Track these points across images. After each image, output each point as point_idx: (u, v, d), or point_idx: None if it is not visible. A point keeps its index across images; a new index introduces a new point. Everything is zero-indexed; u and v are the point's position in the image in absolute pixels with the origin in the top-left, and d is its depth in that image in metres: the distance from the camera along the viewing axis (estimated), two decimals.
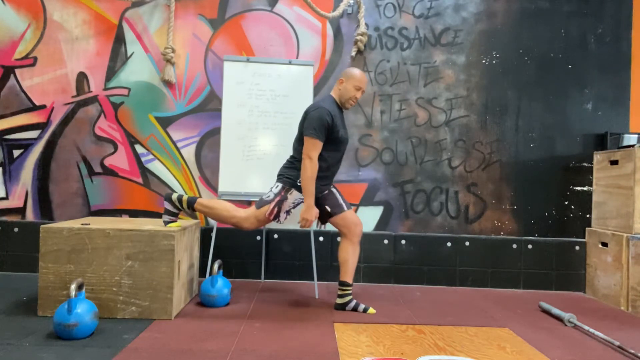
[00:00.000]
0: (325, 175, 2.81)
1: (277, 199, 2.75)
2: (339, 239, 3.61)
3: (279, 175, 2.84)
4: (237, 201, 3.59)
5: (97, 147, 3.61)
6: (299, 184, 2.76)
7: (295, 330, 2.46)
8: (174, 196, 2.75)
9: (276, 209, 2.74)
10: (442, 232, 3.67)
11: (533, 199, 3.69)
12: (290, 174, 2.78)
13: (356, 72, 2.79)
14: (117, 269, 2.53)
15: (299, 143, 2.80)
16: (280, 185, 2.79)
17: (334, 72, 3.66)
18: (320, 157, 2.73)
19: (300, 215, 2.69)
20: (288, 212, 2.80)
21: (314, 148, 2.65)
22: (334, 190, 2.92)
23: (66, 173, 3.60)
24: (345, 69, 3.65)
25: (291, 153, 3.28)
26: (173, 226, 2.69)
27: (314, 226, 2.64)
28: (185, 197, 2.75)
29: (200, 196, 3.62)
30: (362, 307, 2.83)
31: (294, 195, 2.78)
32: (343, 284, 2.84)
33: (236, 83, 3.32)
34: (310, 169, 2.64)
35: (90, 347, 2.12)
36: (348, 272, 2.83)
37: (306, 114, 2.73)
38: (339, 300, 2.85)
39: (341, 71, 3.65)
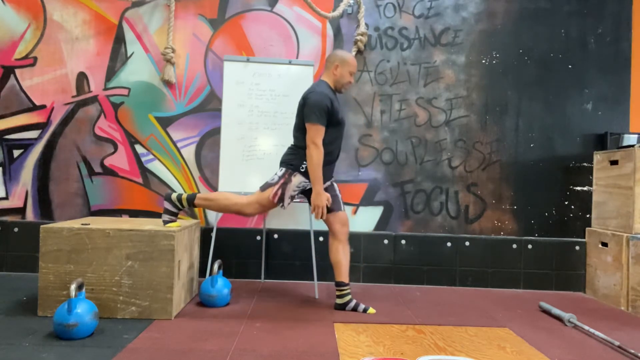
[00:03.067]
0: (327, 159, 2.81)
1: (282, 181, 2.76)
2: None
3: (281, 162, 2.85)
4: None
5: (97, 147, 3.61)
6: (302, 170, 2.76)
7: (295, 330, 2.46)
8: (174, 196, 2.75)
9: (280, 191, 2.74)
10: (442, 232, 3.67)
11: (533, 199, 3.69)
12: (292, 161, 2.79)
13: (349, 57, 2.82)
14: (117, 269, 2.53)
15: (299, 131, 2.80)
16: (284, 169, 2.80)
17: None
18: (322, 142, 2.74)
19: (312, 202, 2.69)
20: (292, 197, 2.79)
21: (317, 134, 2.65)
22: (335, 185, 2.92)
23: (66, 173, 3.60)
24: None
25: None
26: (173, 226, 2.69)
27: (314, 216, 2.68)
28: (184, 195, 2.75)
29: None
30: (362, 307, 2.83)
31: (297, 179, 2.77)
32: (340, 284, 2.84)
33: (236, 83, 3.32)
34: (316, 155, 2.65)
35: (90, 347, 2.12)
36: (342, 272, 2.83)
37: (304, 100, 2.73)
38: (339, 301, 2.85)
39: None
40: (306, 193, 2.94)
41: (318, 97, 2.66)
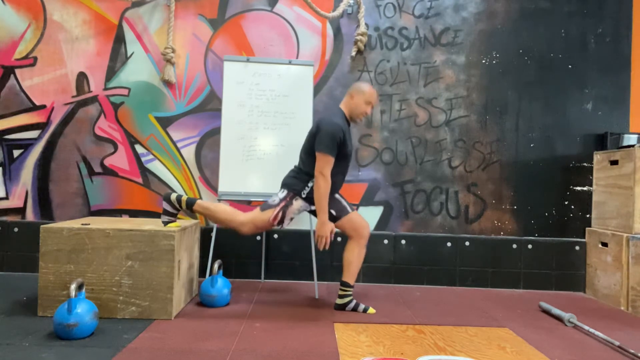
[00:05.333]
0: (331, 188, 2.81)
1: (283, 204, 2.74)
2: (339, 239, 3.61)
3: (283, 184, 2.83)
4: (237, 201, 3.59)
5: (97, 147, 3.61)
6: (303, 195, 2.76)
7: (295, 330, 2.46)
8: (173, 196, 2.74)
9: (280, 214, 2.73)
10: (442, 232, 3.67)
11: (533, 199, 3.69)
12: (295, 185, 2.77)
13: (366, 87, 2.80)
14: (117, 269, 2.53)
15: (306, 155, 2.78)
16: (285, 191, 2.78)
17: (334, 72, 3.66)
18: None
19: (316, 232, 2.67)
20: (292, 218, 2.79)
21: (326, 165, 2.64)
22: (336, 195, 2.91)
23: (66, 173, 3.60)
24: (345, 69, 3.66)
25: (291, 153, 3.29)
26: (172, 226, 2.69)
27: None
28: (184, 198, 2.74)
29: (200, 197, 3.62)
30: (362, 307, 2.83)
31: (299, 203, 2.77)
32: (345, 284, 2.83)
33: (236, 83, 3.32)
34: (323, 186, 2.63)
35: (90, 347, 2.12)
36: (351, 274, 2.83)
37: (317, 128, 2.69)
38: (339, 301, 2.85)
39: (341, 72, 3.66)
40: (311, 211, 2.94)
41: (331, 128, 2.63)
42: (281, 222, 2.75)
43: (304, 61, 3.37)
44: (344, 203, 2.88)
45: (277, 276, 3.61)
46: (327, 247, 2.69)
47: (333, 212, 2.84)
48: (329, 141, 2.62)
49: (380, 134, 3.67)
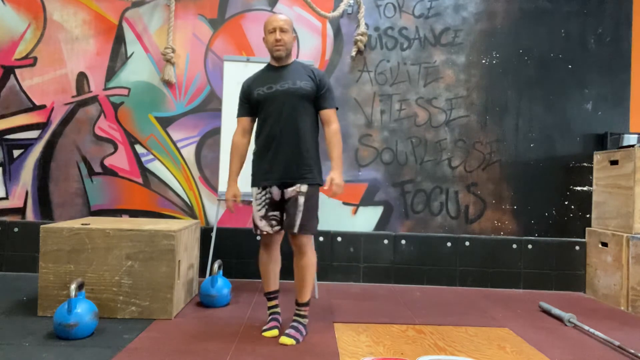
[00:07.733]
0: (261, 150, 2.39)
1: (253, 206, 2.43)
2: (339, 238, 3.61)
3: None
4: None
5: (97, 147, 3.61)
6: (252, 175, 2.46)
7: None
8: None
9: (252, 217, 2.41)
10: (442, 232, 3.67)
11: (533, 199, 3.68)
12: None
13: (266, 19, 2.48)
14: (117, 269, 2.53)
15: None
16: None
17: (334, 72, 3.66)
18: (256, 131, 2.46)
19: None
20: (265, 217, 2.34)
21: (237, 127, 2.48)
22: (300, 199, 2.30)
23: (66, 173, 3.60)
24: (345, 69, 3.66)
25: None
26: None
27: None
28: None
29: (200, 197, 3.62)
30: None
31: (254, 190, 2.42)
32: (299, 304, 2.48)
33: (236, 83, 3.31)
34: (231, 145, 2.47)
35: (90, 347, 2.12)
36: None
37: None
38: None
39: (341, 72, 3.66)
40: (278, 205, 2.38)
41: None
42: (255, 227, 2.38)
43: (304, 61, 3.36)
44: (291, 217, 2.29)
45: None
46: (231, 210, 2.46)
47: (284, 215, 2.38)
48: (238, 103, 2.48)
49: (380, 134, 3.67)
